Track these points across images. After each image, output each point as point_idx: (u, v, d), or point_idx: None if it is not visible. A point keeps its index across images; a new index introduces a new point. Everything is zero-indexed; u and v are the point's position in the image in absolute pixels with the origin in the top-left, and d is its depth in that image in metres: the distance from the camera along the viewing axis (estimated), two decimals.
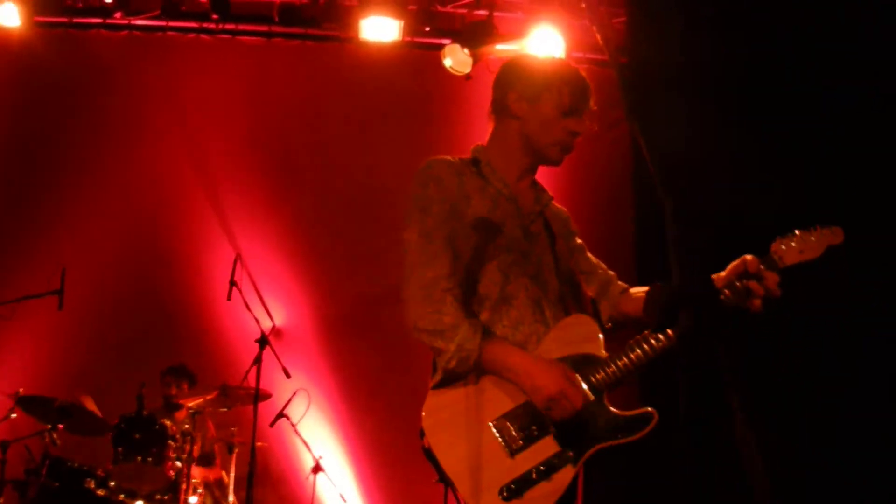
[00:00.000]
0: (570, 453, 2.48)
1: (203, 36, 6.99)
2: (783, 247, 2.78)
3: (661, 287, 2.65)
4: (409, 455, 6.35)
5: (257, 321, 5.99)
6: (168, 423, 5.49)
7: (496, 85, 2.86)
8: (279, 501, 6.52)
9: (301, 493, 6.38)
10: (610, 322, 2.98)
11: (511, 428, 2.52)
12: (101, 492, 5.09)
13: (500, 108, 2.82)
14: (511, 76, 2.83)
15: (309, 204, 6.77)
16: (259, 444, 5.71)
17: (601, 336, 2.67)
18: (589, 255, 3.04)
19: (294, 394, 6.17)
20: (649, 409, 2.54)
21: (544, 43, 6.07)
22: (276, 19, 6.60)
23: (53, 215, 6.90)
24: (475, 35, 6.02)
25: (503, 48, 6.26)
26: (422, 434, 2.56)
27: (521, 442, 2.51)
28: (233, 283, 6.05)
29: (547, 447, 2.51)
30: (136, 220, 6.88)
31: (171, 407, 6.20)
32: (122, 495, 5.17)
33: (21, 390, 5.43)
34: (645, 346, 2.61)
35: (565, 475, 2.46)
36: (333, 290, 6.71)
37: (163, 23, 6.91)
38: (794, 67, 4.87)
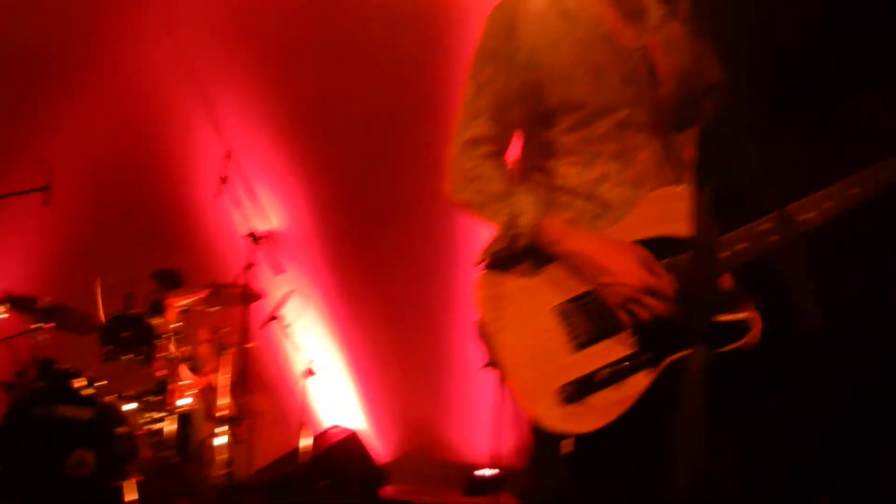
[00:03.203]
0: (647, 357, 1.99)
1: None
2: None
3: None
4: (409, 357, 6.24)
5: (249, 219, 5.86)
6: (156, 322, 5.40)
7: None
8: (270, 406, 6.43)
9: (291, 398, 6.21)
10: None
11: (579, 316, 2.07)
12: (88, 391, 4.99)
13: None
14: None
15: (310, 105, 6.47)
16: (249, 345, 5.59)
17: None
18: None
19: (288, 294, 6.03)
20: (747, 314, 2.00)
21: None
22: None
23: (38, 113, 6.71)
24: None
25: None
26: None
27: (589, 334, 2.06)
28: (223, 180, 5.89)
29: (620, 345, 2.03)
30: (123, 118, 6.65)
31: (160, 308, 6.08)
32: (109, 395, 5.09)
33: (8, 289, 5.31)
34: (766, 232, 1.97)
35: (637, 383, 1.97)
36: (335, 194, 6.47)
37: None
38: None
